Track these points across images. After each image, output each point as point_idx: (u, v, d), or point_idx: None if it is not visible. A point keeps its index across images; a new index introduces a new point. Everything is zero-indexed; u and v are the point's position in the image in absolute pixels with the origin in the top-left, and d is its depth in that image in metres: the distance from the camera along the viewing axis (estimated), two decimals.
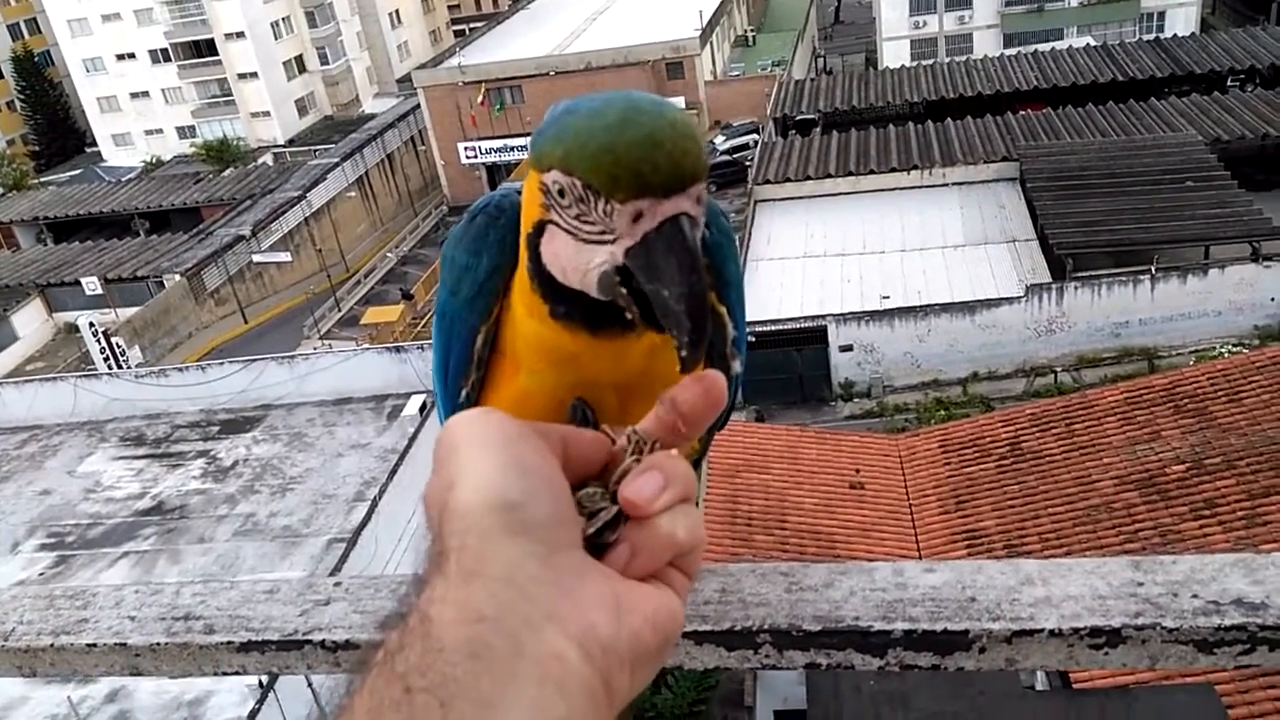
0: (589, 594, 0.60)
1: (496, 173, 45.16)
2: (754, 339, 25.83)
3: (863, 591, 0.99)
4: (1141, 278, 25.09)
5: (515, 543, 0.59)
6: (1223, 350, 22.31)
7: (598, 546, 0.65)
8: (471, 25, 69.27)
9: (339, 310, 36.57)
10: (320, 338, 33.71)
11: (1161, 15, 48.95)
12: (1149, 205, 26.89)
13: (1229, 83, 37.03)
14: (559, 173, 0.71)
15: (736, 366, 0.98)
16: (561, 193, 0.72)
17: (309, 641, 0.97)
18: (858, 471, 15.55)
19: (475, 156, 44.70)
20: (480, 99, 44.87)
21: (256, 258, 38.85)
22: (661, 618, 0.62)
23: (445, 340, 0.93)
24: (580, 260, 0.73)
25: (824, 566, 1.02)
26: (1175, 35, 44.32)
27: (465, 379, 0.92)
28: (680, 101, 46.33)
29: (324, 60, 62.77)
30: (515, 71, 46.10)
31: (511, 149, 44.21)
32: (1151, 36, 44.88)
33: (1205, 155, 29.13)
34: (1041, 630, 0.93)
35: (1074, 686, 10.07)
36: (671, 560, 0.67)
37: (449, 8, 76.99)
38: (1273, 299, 24.72)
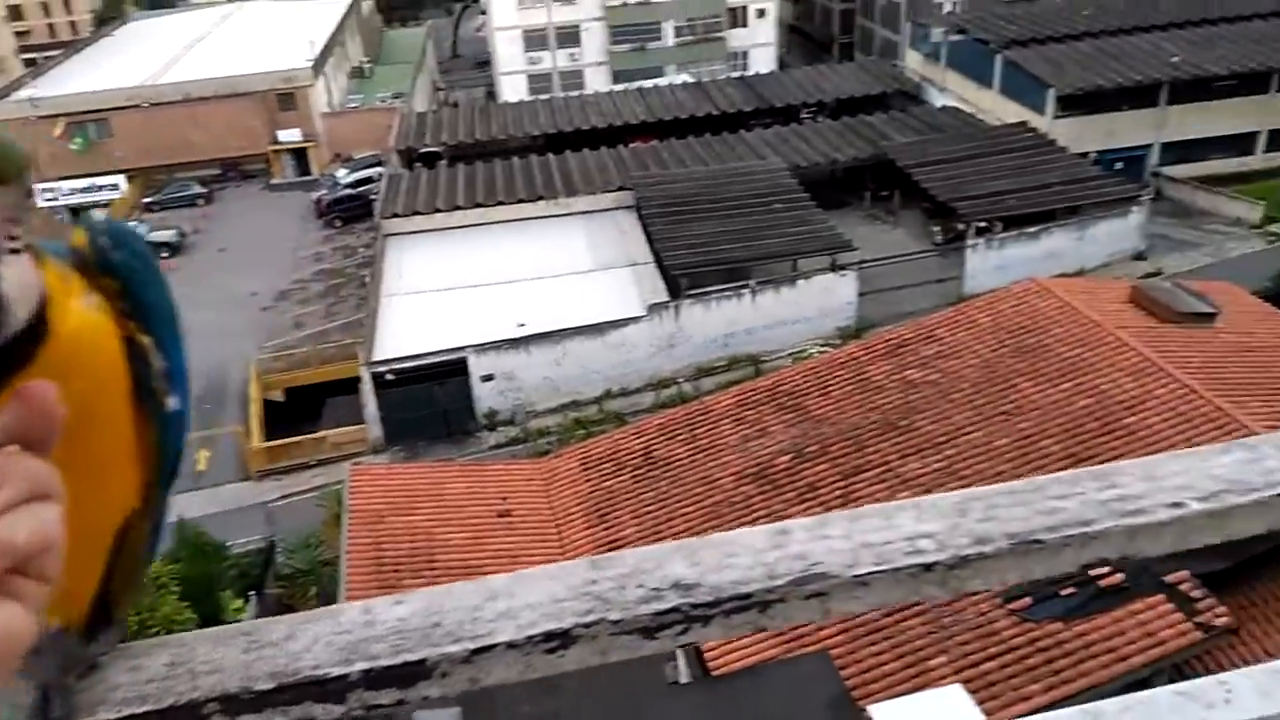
0: None
1: (83, 216, 40.44)
2: (394, 376, 25.30)
3: (326, 637, 0.95)
4: (743, 291, 27.82)
5: None
6: (812, 350, 25.21)
7: None
8: (46, 54, 61.91)
9: None
10: None
11: (746, 55, 54.82)
12: (745, 226, 29.87)
13: (802, 115, 42.14)
14: None
15: (172, 403, 0.89)
16: None
17: None
18: (504, 499, 15.67)
19: (55, 199, 39.46)
20: (58, 132, 40.00)
21: None
22: None
23: None
24: None
25: (287, 618, 0.97)
26: (757, 73, 49.83)
27: None
28: (296, 134, 44.46)
29: None
30: (101, 103, 41.77)
31: (101, 188, 39.88)
32: (738, 74, 50.08)
33: (788, 179, 32.92)
34: (499, 644, 0.93)
35: (713, 674, 10.82)
36: (16, 568, 0.60)
37: (15, 34, 68.12)
38: (849, 302, 28.46)
